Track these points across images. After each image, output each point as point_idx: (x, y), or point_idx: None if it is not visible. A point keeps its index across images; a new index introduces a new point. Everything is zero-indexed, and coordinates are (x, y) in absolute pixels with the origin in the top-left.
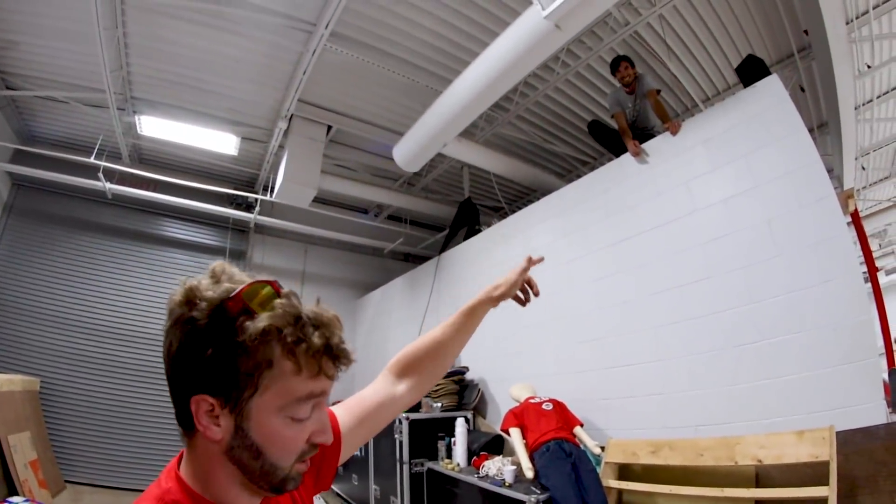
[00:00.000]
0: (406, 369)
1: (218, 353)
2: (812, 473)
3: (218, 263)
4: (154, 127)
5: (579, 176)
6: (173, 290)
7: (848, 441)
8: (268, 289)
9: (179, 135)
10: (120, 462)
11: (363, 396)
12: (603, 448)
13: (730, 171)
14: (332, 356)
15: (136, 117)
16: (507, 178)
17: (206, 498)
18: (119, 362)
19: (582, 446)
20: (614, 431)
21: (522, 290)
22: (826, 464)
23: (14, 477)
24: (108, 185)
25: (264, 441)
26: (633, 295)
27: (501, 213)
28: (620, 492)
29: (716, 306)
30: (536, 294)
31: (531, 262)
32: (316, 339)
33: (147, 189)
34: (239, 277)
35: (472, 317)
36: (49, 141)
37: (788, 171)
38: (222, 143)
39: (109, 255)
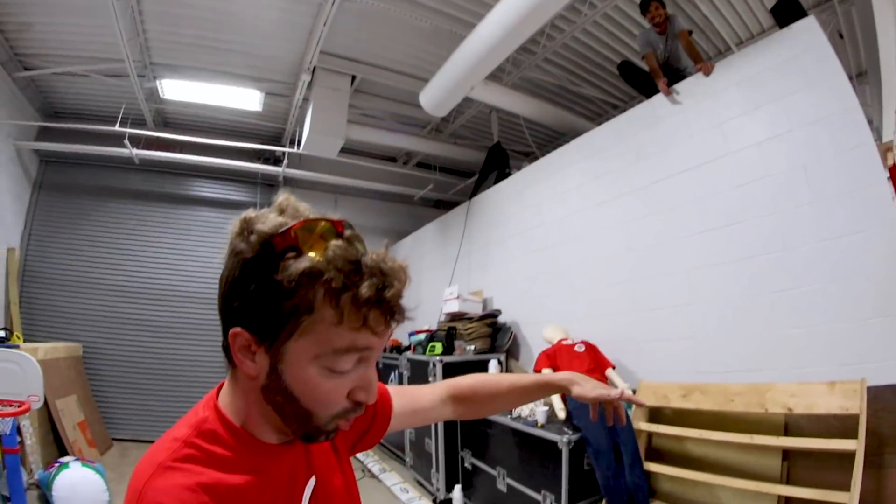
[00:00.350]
0: (461, 399)
1: (259, 290)
2: (840, 426)
3: (285, 196)
4: (176, 90)
5: (609, 119)
6: (223, 245)
7: (878, 397)
8: (325, 226)
9: (202, 95)
10: (161, 416)
11: (419, 394)
12: (634, 391)
13: (764, 114)
14: (382, 310)
15: (157, 82)
16: (536, 122)
17: (241, 428)
18: (155, 321)
19: None
20: (645, 375)
21: (605, 405)
22: (855, 417)
23: (64, 438)
24: (135, 151)
25: (298, 387)
26: (663, 238)
27: (532, 157)
28: (650, 435)
29: (748, 251)
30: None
31: (623, 396)
32: (365, 288)
33: (174, 151)
34: (302, 212)
35: (542, 392)
36: (72, 115)
37: (825, 116)
38: (246, 99)
39: (140, 219)
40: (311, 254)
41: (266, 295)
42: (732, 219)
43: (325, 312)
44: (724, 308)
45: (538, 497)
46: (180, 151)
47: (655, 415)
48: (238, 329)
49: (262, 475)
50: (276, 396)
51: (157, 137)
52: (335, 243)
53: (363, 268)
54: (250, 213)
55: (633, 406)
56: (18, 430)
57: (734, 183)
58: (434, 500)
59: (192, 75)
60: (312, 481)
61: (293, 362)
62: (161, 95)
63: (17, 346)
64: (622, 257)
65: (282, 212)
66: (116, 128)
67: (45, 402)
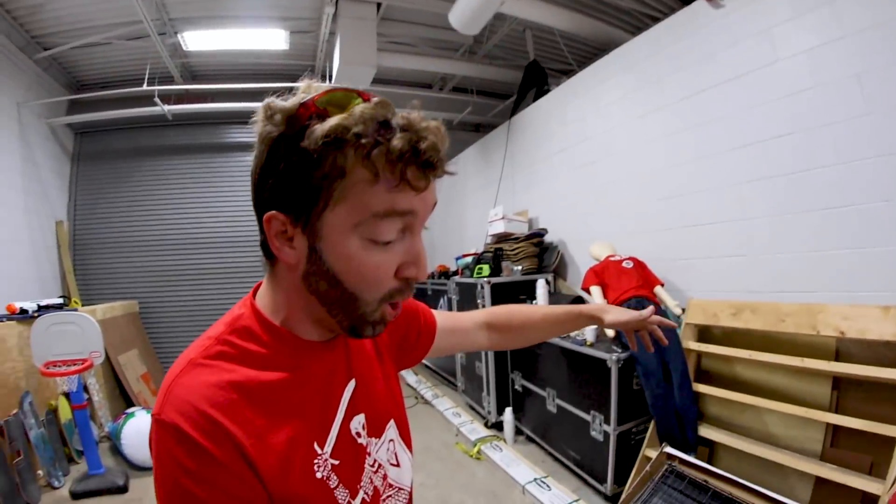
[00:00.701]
0: (496, 327)
1: (288, 165)
2: (892, 356)
3: (306, 82)
4: (199, 41)
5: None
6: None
7: None
8: (350, 94)
9: (226, 42)
10: None
11: (459, 317)
12: (683, 310)
13: (814, 18)
14: (419, 163)
15: (179, 37)
16: (573, 36)
17: (277, 325)
18: (204, 268)
19: (662, 306)
20: (694, 293)
21: (640, 330)
22: None
23: (129, 391)
24: (167, 108)
25: (341, 266)
26: (711, 150)
27: (570, 75)
28: (699, 355)
29: (800, 165)
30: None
31: (651, 318)
32: (398, 140)
33: (205, 102)
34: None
35: (574, 323)
36: (99, 84)
37: (881, 21)
38: (271, 40)
39: (180, 173)
40: (336, 115)
41: (295, 168)
42: (782, 130)
43: (358, 173)
44: (775, 224)
45: (587, 417)
46: (212, 101)
47: (704, 334)
48: (272, 212)
49: (298, 373)
50: (318, 283)
51: (187, 91)
52: (360, 104)
53: (393, 124)
54: (272, 97)
55: (683, 325)
56: (85, 388)
57: (783, 92)
58: (486, 424)
59: (213, 24)
60: (352, 384)
61: (332, 237)
62: (185, 49)
63: (75, 311)
64: (668, 171)
65: (305, 92)
66: (144, 87)
67: (108, 359)
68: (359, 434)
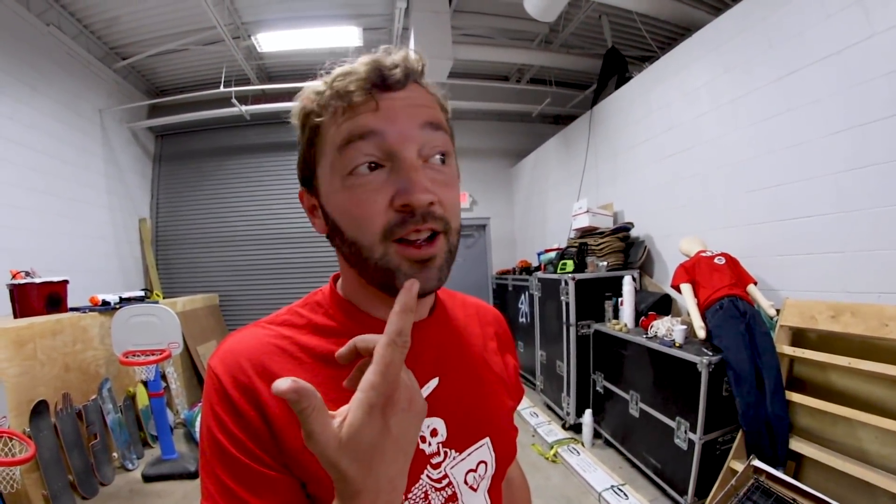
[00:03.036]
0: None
1: (300, 152)
2: None
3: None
4: (272, 42)
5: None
6: None
7: None
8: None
9: (299, 42)
10: None
11: None
12: (778, 310)
13: None
14: (358, 82)
15: (253, 39)
16: (653, 19)
17: (343, 297)
18: (282, 261)
19: (756, 306)
20: (788, 293)
21: None
22: None
23: None
24: (244, 108)
25: (337, 214)
26: (806, 136)
27: (651, 61)
28: (792, 360)
29: None
30: None
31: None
32: (338, 81)
33: (282, 101)
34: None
35: None
36: (177, 88)
37: None
38: (344, 37)
39: (258, 170)
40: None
41: (301, 148)
42: (886, 111)
43: (322, 123)
44: (879, 218)
45: (672, 424)
46: (288, 100)
47: (799, 338)
48: (300, 189)
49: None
50: (336, 242)
51: (263, 91)
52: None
53: (338, 73)
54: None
55: (777, 326)
56: (163, 377)
57: (884, 69)
58: (563, 425)
59: (285, 24)
60: (434, 382)
61: (324, 189)
62: (259, 51)
63: (156, 303)
64: (760, 160)
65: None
66: (221, 89)
67: (188, 349)
68: (423, 439)
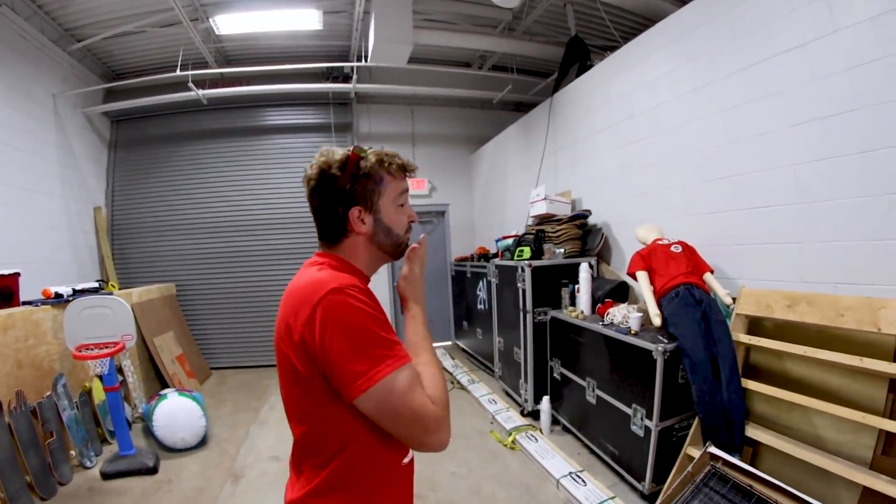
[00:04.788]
0: None
1: (354, 183)
2: None
3: (322, 149)
4: (231, 24)
5: None
6: (303, 168)
7: None
8: (361, 148)
9: (258, 24)
10: (257, 342)
11: None
12: (734, 299)
13: None
14: (404, 167)
15: (211, 21)
16: (617, 8)
17: (356, 266)
18: (243, 251)
19: (712, 294)
20: (746, 282)
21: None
22: None
23: (163, 373)
24: (201, 92)
25: (390, 222)
26: (768, 127)
27: (615, 50)
28: (749, 348)
29: (865, 144)
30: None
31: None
32: (396, 160)
33: (240, 85)
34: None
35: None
36: (134, 72)
37: None
38: (304, 19)
39: (218, 157)
40: (369, 154)
41: (360, 182)
42: (847, 105)
43: (388, 178)
44: (837, 210)
45: (628, 411)
46: (247, 84)
47: (755, 327)
48: (354, 207)
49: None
50: (380, 236)
51: (221, 75)
52: (372, 149)
53: (387, 154)
54: (321, 159)
55: (733, 315)
56: (120, 370)
57: (845, 64)
58: (522, 412)
59: (244, 6)
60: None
61: (385, 210)
62: (217, 33)
63: (109, 294)
64: (720, 150)
65: (326, 154)
66: (178, 73)
67: (144, 341)
68: None
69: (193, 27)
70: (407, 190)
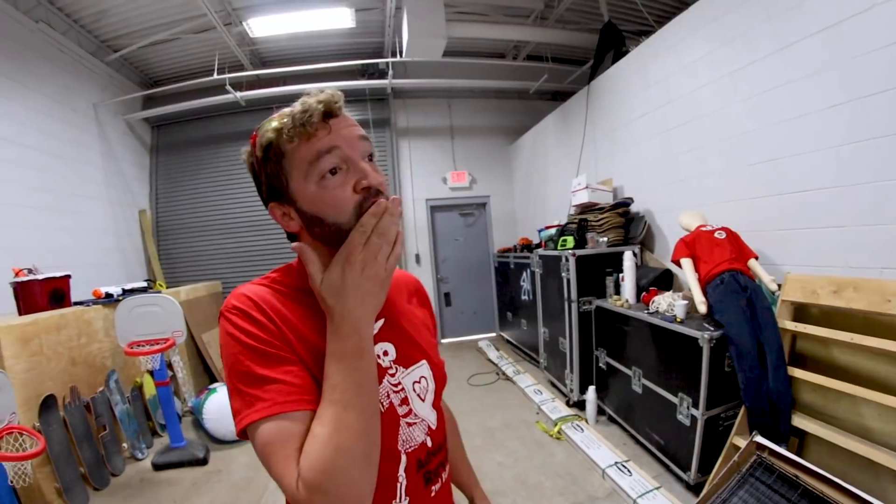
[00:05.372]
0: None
1: (261, 173)
2: None
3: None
4: (264, 27)
5: None
6: None
7: None
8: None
9: (292, 25)
10: None
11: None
12: (779, 285)
13: None
14: (318, 115)
15: (245, 24)
16: None
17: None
18: (284, 247)
19: (757, 280)
20: (790, 267)
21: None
22: None
23: (212, 367)
24: (239, 94)
25: (315, 207)
26: (806, 109)
27: (649, 35)
28: (795, 335)
29: None
30: None
31: None
32: (296, 115)
33: (277, 86)
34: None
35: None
36: (171, 78)
37: None
38: (337, 19)
39: None
40: (263, 130)
41: (268, 168)
42: (886, 84)
43: (290, 149)
44: (880, 192)
45: (674, 400)
46: (283, 85)
47: (801, 314)
48: (271, 204)
49: (315, 307)
50: (313, 229)
51: (257, 76)
52: (268, 120)
53: (290, 111)
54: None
55: (778, 301)
56: (170, 366)
57: (884, 40)
58: (567, 402)
59: (276, 9)
60: (381, 322)
61: (300, 193)
62: (251, 36)
63: (158, 293)
64: (760, 133)
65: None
66: (215, 77)
67: (192, 338)
68: (379, 356)
69: (227, 31)
70: (324, 151)
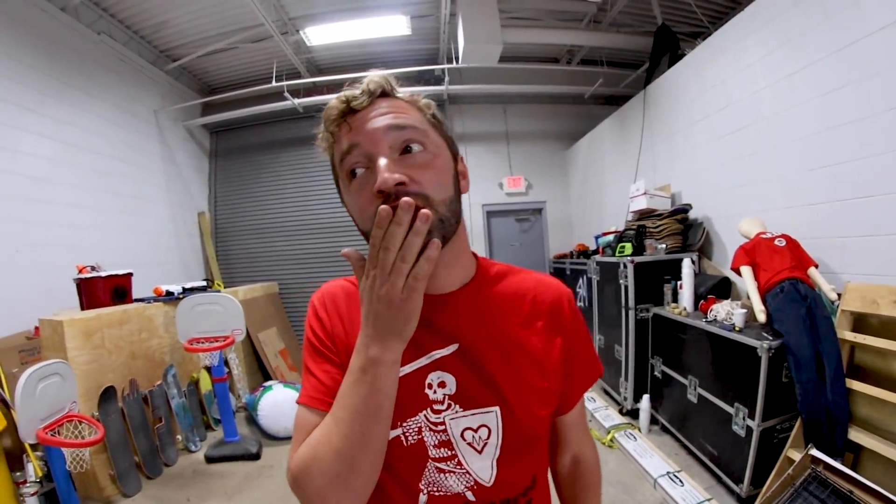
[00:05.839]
0: (572, 469)
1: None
2: None
3: None
4: (321, 36)
5: None
6: None
7: None
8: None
9: (347, 33)
10: None
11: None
12: (839, 294)
13: None
14: (344, 112)
15: (301, 33)
16: None
17: None
18: (339, 248)
19: (817, 289)
20: (850, 276)
21: None
22: None
23: (267, 366)
24: (297, 101)
25: (351, 211)
26: (868, 111)
27: (704, 37)
28: (853, 346)
29: None
30: None
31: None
32: (327, 110)
33: (334, 92)
34: None
35: None
36: (229, 85)
37: None
38: (392, 26)
39: (314, 161)
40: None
41: (334, 174)
42: None
43: (332, 148)
44: None
45: (730, 410)
46: (340, 91)
47: (860, 324)
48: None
49: None
50: (364, 233)
51: (314, 83)
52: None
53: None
54: None
55: (838, 311)
56: (226, 362)
57: None
58: (621, 410)
59: (332, 18)
60: (452, 348)
61: (344, 193)
62: (308, 44)
63: (218, 292)
64: (821, 137)
65: None
66: (273, 84)
67: (249, 336)
68: (430, 386)
69: (284, 40)
70: (345, 152)
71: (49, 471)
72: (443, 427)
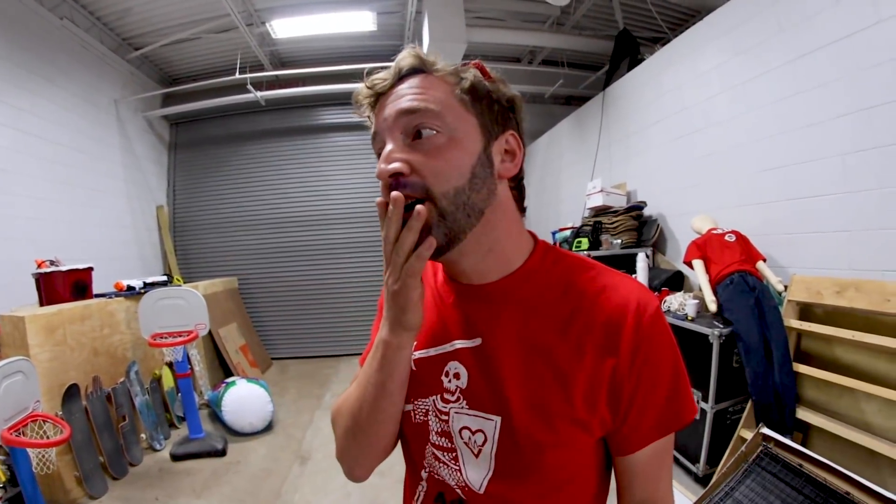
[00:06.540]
0: None
1: None
2: None
3: None
4: (286, 28)
5: None
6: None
7: None
8: None
9: (313, 27)
10: (316, 333)
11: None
12: (786, 286)
13: None
14: (367, 101)
15: (267, 25)
16: (664, 0)
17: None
18: (302, 245)
19: (765, 281)
20: (796, 269)
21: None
22: None
23: (228, 362)
24: (259, 94)
25: None
26: (816, 118)
27: (664, 42)
28: (800, 334)
29: None
30: None
31: None
32: (357, 99)
33: (297, 86)
34: None
35: None
36: (192, 76)
37: None
38: (358, 21)
39: (276, 155)
40: None
41: None
42: (890, 96)
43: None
44: (885, 199)
45: None
46: (303, 85)
47: (806, 313)
48: None
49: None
50: None
51: (277, 77)
52: None
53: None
54: None
55: (785, 301)
56: (188, 359)
57: (888, 55)
58: None
59: (299, 11)
60: (475, 342)
61: None
62: (273, 37)
63: (180, 287)
64: (772, 141)
65: None
66: (236, 76)
67: (209, 332)
68: (447, 374)
69: (249, 32)
70: (373, 134)
71: (13, 474)
72: (447, 417)
